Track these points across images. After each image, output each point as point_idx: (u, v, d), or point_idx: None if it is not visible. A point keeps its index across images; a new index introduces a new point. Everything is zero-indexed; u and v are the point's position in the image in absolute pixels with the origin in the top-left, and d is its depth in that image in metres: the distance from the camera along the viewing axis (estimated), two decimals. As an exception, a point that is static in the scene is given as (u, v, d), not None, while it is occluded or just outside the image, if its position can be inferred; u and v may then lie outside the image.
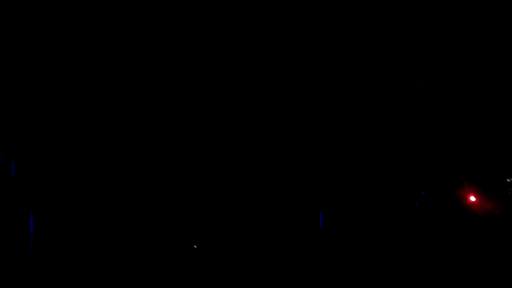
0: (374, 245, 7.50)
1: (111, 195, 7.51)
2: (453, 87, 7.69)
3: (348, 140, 7.71)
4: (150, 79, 7.87)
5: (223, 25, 8.21)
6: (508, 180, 7.40)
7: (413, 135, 7.68)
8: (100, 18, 7.83)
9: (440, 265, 7.28)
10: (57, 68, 7.64)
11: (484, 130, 7.48)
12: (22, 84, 7.51)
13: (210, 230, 7.63)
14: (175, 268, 7.37)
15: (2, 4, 7.59)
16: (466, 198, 7.42)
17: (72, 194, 7.46)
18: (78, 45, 7.70)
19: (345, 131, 7.73)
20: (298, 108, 7.91)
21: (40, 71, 7.57)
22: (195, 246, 7.47)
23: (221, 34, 8.21)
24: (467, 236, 7.26)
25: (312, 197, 7.68)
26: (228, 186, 7.72)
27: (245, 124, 7.95)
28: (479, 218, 7.28)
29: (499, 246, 7.35)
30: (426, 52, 7.88)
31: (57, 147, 7.52)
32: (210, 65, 8.07)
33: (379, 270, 7.39)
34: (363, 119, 7.78)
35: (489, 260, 7.23)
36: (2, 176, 7.37)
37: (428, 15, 7.96)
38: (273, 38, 8.22)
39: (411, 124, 7.68)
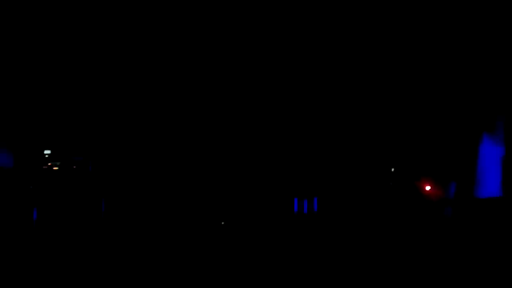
0: (352, 224, 9.86)
1: (159, 184, 10.16)
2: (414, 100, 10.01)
3: (330, 139, 10.08)
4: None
5: (226, 25, 9.99)
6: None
7: (387, 143, 10.08)
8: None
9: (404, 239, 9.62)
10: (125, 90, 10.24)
11: (437, 142, 9.84)
12: (98, 103, 10.16)
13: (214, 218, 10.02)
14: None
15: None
16: (423, 187, 9.91)
17: (132, 184, 10.14)
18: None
19: (328, 132, 10.05)
20: (283, 108, 10.06)
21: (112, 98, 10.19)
22: (222, 223, 9.95)
23: (225, 34, 10.04)
24: (421, 211, 9.68)
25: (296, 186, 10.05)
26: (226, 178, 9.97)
27: (240, 119, 10.08)
28: (431, 200, 9.74)
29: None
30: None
31: (121, 150, 10.20)
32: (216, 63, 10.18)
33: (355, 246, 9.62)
34: (344, 123, 10.12)
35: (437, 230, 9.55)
36: (82, 171, 10.12)
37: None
38: (269, 37, 10.02)
39: (386, 133, 10.08)
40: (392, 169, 10.06)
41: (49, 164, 10.10)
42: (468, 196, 9.68)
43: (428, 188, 9.80)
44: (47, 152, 10.12)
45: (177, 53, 10.19)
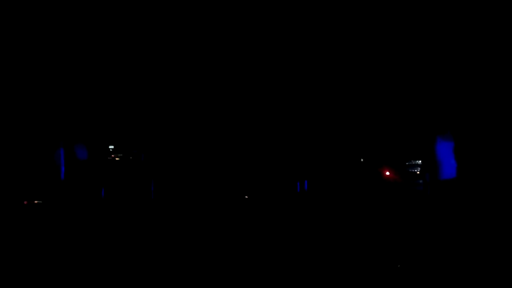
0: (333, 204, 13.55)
1: (195, 171, 13.91)
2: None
3: (318, 138, 13.80)
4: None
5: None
6: (406, 163, 13.77)
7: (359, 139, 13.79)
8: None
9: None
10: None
11: (396, 133, 13.62)
12: (149, 109, 13.84)
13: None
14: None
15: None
16: (384, 173, 13.75)
17: (174, 170, 13.89)
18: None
19: (316, 132, 13.73)
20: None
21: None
22: (246, 197, 13.53)
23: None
24: (382, 192, 13.48)
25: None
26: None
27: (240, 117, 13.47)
28: (390, 183, 13.59)
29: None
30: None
31: (165, 144, 13.93)
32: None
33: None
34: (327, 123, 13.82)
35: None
36: (136, 160, 13.85)
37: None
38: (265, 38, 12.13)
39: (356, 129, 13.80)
40: (362, 159, 13.92)
41: (113, 156, 13.85)
42: (435, 178, 12.72)
43: (387, 173, 13.61)
44: (111, 146, 13.86)
45: (212, 60, 12.79)
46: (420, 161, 14.05)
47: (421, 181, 13.66)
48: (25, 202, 13.10)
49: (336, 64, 12.99)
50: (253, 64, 12.86)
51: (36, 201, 13.23)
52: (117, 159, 13.80)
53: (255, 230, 10.16)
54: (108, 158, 13.80)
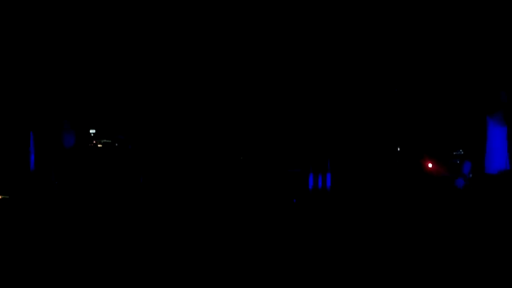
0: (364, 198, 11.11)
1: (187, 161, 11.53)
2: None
3: (345, 123, 11.34)
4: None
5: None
6: (453, 153, 11.10)
7: (394, 128, 11.30)
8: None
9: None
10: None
11: (439, 123, 11.05)
12: (139, 94, 11.52)
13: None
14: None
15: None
16: (426, 165, 11.12)
17: (164, 159, 11.53)
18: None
19: (343, 116, 11.32)
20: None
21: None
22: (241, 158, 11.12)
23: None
24: (425, 188, 10.92)
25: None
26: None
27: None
28: (433, 177, 10.97)
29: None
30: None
31: (154, 132, 11.58)
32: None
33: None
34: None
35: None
36: (124, 147, 11.50)
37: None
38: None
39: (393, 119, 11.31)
40: (398, 149, 11.29)
41: (94, 141, 11.50)
42: (480, 171, 10.65)
43: (430, 165, 11.01)
44: (92, 131, 11.50)
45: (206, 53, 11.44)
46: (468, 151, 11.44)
47: (471, 175, 11.09)
48: (-11, 197, 10.97)
49: (370, 41, 11.33)
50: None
51: (0, 196, 11.05)
52: (99, 146, 11.45)
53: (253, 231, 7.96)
54: (89, 145, 11.46)
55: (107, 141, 11.54)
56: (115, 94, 11.44)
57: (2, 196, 11.02)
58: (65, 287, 5.24)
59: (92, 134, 11.50)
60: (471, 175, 10.46)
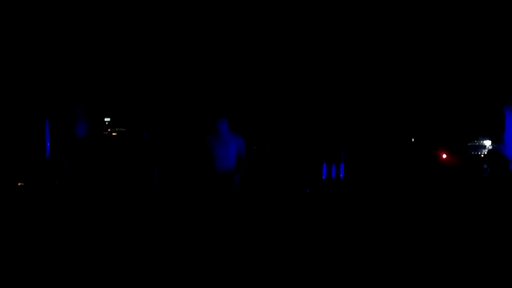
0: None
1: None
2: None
3: (361, 114, 11.34)
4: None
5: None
6: (468, 144, 11.03)
7: (410, 121, 11.28)
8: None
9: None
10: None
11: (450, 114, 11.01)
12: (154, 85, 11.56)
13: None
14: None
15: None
16: (440, 155, 11.06)
17: (177, 148, 11.56)
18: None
19: (359, 108, 11.32)
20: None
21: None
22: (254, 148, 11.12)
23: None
24: (439, 178, 10.87)
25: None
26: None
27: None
28: (447, 167, 10.91)
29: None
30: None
31: (164, 126, 11.62)
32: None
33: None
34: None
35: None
36: (139, 135, 11.55)
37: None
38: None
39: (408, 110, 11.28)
40: (412, 139, 11.25)
41: (109, 130, 11.56)
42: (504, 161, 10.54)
43: (444, 156, 10.95)
44: (107, 119, 11.57)
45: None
46: (484, 142, 11.36)
47: (485, 166, 11.03)
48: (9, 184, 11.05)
49: (385, 32, 10.87)
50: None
51: (19, 184, 11.13)
52: (114, 134, 11.50)
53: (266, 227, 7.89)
54: (104, 133, 11.51)
55: (122, 129, 11.60)
56: (131, 83, 11.47)
57: (20, 184, 11.12)
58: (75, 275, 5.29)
59: (106, 123, 11.57)
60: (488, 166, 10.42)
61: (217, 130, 6.23)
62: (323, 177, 11.26)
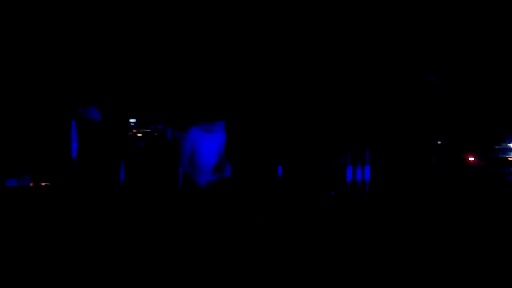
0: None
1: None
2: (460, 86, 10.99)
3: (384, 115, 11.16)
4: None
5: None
6: (495, 147, 10.86)
7: (435, 123, 11.09)
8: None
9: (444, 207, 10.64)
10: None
11: (480, 118, 10.79)
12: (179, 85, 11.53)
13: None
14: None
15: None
16: (467, 158, 10.90)
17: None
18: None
19: (382, 108, 11.16)
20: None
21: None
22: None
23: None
24: (466, 182, 10.71)
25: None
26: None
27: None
28: (474, 170, 10.75)
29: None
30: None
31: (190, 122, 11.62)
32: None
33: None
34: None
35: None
36: (163, 137, 11.59)
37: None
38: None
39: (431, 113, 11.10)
40: (439, 142, 11.09)
41: (134, 131, 11.59)
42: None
43: (471, 159, 10.79)
44: (132, 120, 11.60)
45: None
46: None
47: (513, 169, 10.87)
48: (31, 184, 11.23)
49: (408, 30, 11.00)
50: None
51: (43, 183, 11.31)
52: (139, 135, 11.55)
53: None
54: (129, 134, 11.58)
55: (147, 130, 11.64)
56: (157, 86, 11.51)
57: (45, 183, 11.25)
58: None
59: (132, 124, 11.61)
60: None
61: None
62: (348, 180, 11.17)
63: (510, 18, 10.66)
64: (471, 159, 10.94)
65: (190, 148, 11.51)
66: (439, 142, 11.11)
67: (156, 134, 11.56)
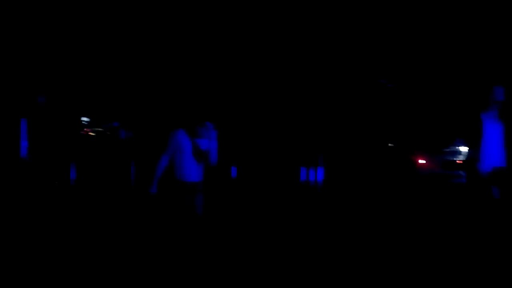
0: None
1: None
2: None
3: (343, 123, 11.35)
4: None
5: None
6: (444, 150, 11.13)
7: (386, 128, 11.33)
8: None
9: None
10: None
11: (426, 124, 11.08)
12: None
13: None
14: None
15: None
16: (417, 160, 11.14)
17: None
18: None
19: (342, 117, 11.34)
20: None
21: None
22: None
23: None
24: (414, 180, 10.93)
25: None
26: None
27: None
28: (423, 172, 11.01)
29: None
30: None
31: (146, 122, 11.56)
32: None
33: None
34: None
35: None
36: (116, 135, 11.50)
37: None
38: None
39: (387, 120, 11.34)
40: (390, 144, 11.32)
41: (86, 130, 11.49)
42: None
43: (421, 161, 11.03)
44: (85, 119, 11.50)
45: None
46: (461, 148, 11.44)
47: (461, 172, 11.12)
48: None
49: (366, 37, 10.95)
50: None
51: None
52: (91, 134, 11.42)
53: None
54: (81, 132, 11.43)
55: (99, 129, 11.53)
56: (111, 85, 11.41)
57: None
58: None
59: (84, 122, 11.50)
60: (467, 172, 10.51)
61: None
62: (301, 180, 11.27)
63: (460, 24, 10.90)
64: (421, 161, 11.18)
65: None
66: (390, 145, 11.32)
67: (108, 133, 11.48)
